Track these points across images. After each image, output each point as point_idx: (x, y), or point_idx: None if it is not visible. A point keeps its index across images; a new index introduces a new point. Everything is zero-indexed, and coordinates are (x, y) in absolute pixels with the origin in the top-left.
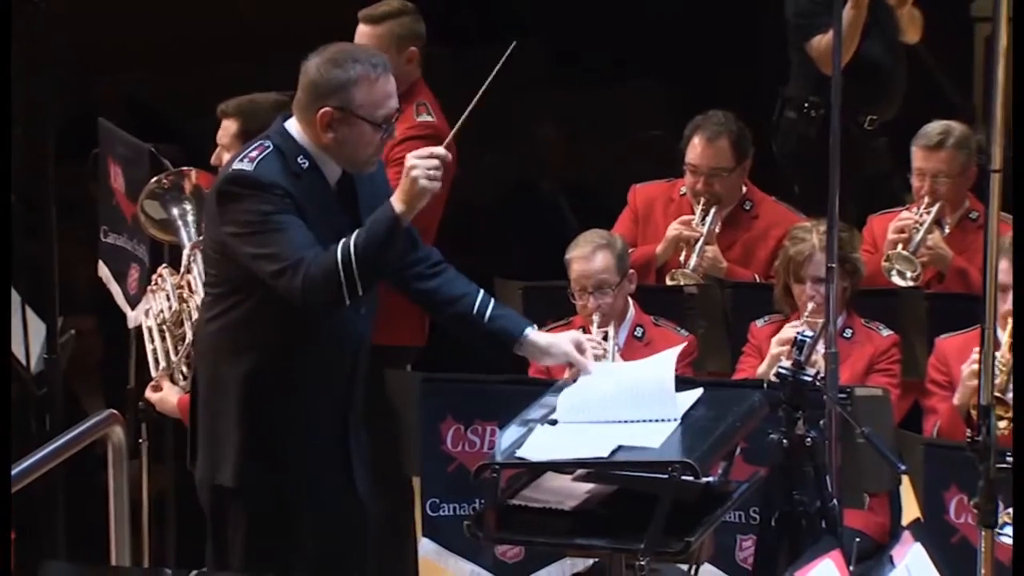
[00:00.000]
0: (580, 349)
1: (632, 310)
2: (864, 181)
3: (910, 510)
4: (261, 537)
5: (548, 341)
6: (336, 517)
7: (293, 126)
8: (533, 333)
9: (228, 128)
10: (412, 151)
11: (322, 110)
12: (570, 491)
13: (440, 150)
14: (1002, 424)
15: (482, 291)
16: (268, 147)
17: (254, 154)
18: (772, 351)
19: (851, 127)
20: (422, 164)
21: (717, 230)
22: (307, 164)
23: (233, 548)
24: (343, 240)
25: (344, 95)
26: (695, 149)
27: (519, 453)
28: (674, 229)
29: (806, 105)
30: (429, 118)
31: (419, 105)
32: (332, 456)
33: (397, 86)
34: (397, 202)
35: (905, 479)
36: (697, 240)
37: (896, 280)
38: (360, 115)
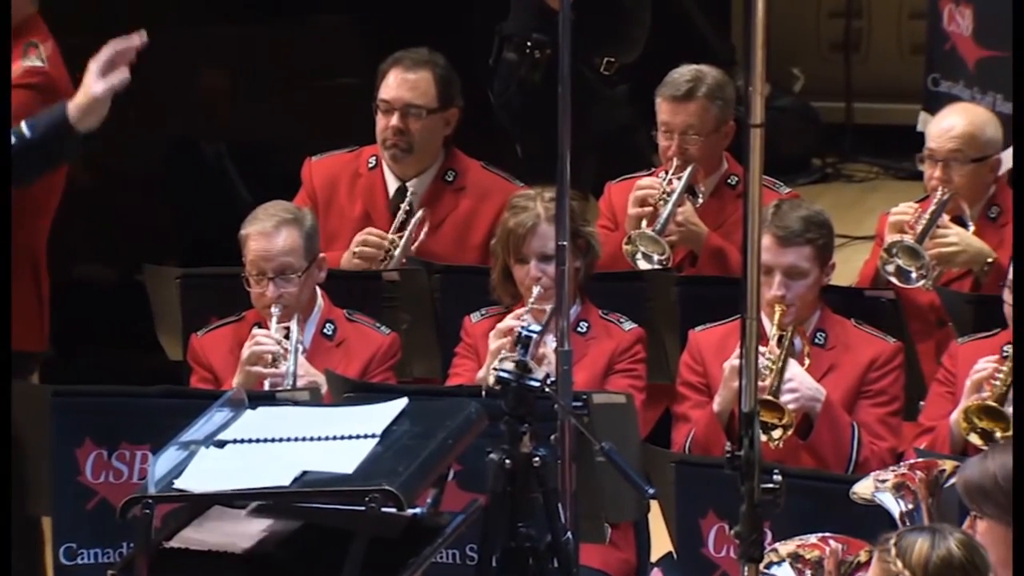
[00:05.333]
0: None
1: (321, 302)
2: (601, 138)
3: (660, 543)
4: None
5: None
6: None
7: None
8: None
9: None
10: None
11: None
12: (243, 530)
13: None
14: (776, 434)
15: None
16: None
17: None
18: (491, 346)
19: (584, 71)
20: None
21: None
22: None
23: None
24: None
25: None
26: (389, 84)
27: (177, 483)
28: (360, 241)
29: (528, 44)
30: (38, 63)
31: (28, 47)
32: None
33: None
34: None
35: (654, 505)
36: (391, 244)
37: (641, 265)
38: None
